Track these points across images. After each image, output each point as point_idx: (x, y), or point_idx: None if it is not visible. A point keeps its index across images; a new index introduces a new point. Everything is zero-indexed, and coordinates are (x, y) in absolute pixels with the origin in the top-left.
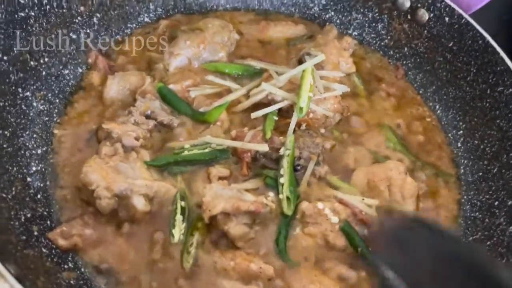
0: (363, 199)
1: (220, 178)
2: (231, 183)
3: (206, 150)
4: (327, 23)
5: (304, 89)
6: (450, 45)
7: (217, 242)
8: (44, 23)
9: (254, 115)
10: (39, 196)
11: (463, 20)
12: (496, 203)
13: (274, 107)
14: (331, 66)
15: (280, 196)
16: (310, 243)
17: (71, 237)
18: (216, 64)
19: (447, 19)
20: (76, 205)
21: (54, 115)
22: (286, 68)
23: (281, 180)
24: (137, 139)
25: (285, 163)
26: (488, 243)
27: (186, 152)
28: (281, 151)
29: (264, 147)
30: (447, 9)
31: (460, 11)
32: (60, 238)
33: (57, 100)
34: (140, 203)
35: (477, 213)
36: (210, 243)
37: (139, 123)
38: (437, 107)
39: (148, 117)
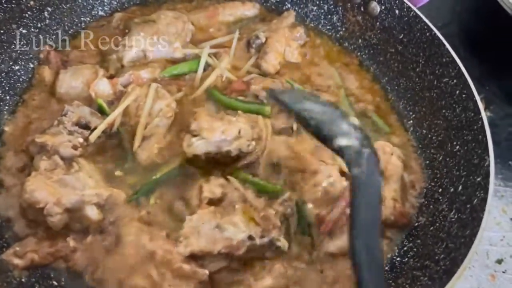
0: None
1: (211, 201)
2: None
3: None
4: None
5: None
6: (401, 37)
7: None
8: None
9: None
10: None
11: (412, 13)
12: (440, 190)
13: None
14: (274, 53)
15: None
16: None
17: (25, 254)
18: (169, 69)
19: (397, 11)
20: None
21: (5, 112)
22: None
23: None
24: (75, 148)
25: None
26: (431, 228)
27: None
28: None
29: None
30: (397, 2)
31: (409, 3)
32: (14, 258)
33: (8, 97)
34: (93, 213)
35: (423, 200)
36: None
37: (73, 131)
38: (390, 96)
39: (81, 126)
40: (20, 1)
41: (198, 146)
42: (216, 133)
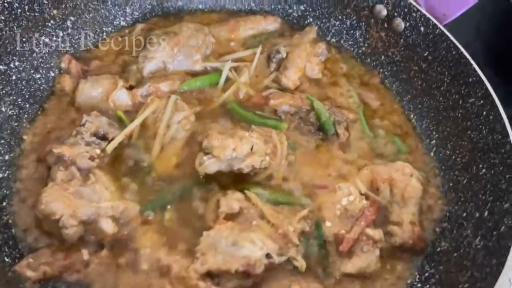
0: None
1: (227, 216)
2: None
3: None
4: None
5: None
6: (425, 54)
7: None
8: (15, 27)
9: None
10: (4, 204)
11: (438, 30)
12: (464, 214)
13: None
14: (295, 68)
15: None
16: None
17: (39, 266)
18: (188, 82)
19: (422, 28)
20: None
21: (24, 120)
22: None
23: None
24: (92, 159)
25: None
26: (455, 254)
27: None
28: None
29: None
30: (422, 19)
31: (435, 21)
32: (27, 270)
33: (27, 105)
34: (108, 226)
35: (446, 224)
36: None
37: (91, 142)
38: (412, 116)
39: (99, 136)
40: (43, 9)
41: (209, 165)
42: (227, 151)
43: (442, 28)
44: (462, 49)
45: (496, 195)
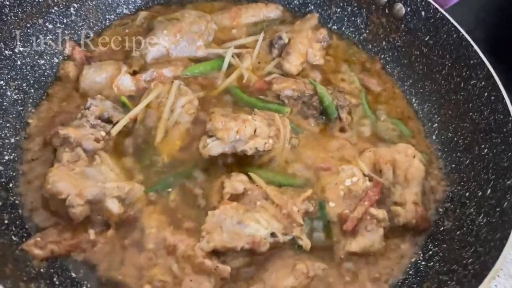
0: None
1: (232, 196)
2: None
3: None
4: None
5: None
6: (426, 39)
7: None
8: (19, 12)
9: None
10: (10, 185)
11: (439, 14)
12: (467, 194)
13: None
14: (297, 54)
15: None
16: None
17: (46, 245)
18: (191, 68)
19: (423, 13)
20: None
21: (29, 105)
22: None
23: None
24: (97, 141)
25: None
26: (458, 232)
27: None
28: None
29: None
30: (423, 3)
31: (436, 5)
32: (35, 248)
33: (32, 90)
34: (114, 206)
35: (448, 204)
36: None
37: (96, 124)
38: (414, 100)
39: (104, 119)
40: None
41: (212, 147)
42: (230, 133)
43: (443, 12)
44: (463, 32)
45: (499, 173)
